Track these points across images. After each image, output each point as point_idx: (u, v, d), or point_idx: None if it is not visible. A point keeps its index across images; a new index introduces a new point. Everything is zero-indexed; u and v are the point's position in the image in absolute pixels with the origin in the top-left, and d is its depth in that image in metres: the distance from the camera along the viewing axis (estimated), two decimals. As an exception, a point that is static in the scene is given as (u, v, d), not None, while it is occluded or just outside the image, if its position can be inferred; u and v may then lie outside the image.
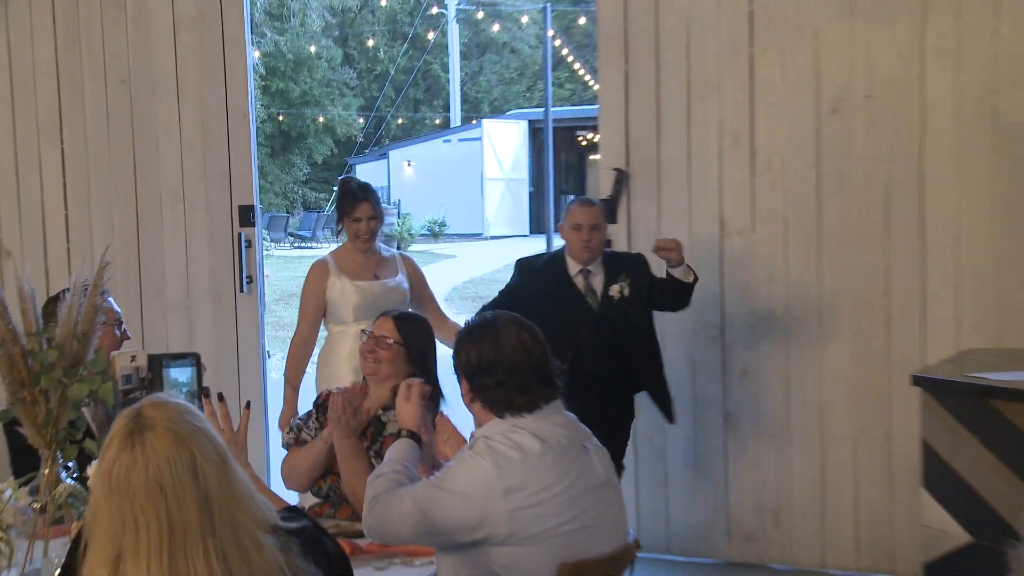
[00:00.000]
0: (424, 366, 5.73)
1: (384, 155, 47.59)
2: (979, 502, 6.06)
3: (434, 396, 5.51)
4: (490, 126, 47.27)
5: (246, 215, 9.43)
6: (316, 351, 7.71)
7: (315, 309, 7.19)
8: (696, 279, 6.90)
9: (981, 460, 6.04)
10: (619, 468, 6.71)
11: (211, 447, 3.35)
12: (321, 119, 45.66)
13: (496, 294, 7.08)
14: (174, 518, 3.21)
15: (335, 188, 48.12)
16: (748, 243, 8.25)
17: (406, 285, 7.13)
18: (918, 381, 6.40)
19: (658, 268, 7.04)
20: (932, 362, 7.34)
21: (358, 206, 7.03)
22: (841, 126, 8.11)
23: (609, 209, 8.37)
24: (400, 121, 48.51)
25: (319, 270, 7.19)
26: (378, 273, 7.03)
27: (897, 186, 7.94)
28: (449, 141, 47.31)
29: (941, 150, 7.91)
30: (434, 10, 45.62)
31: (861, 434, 7.18)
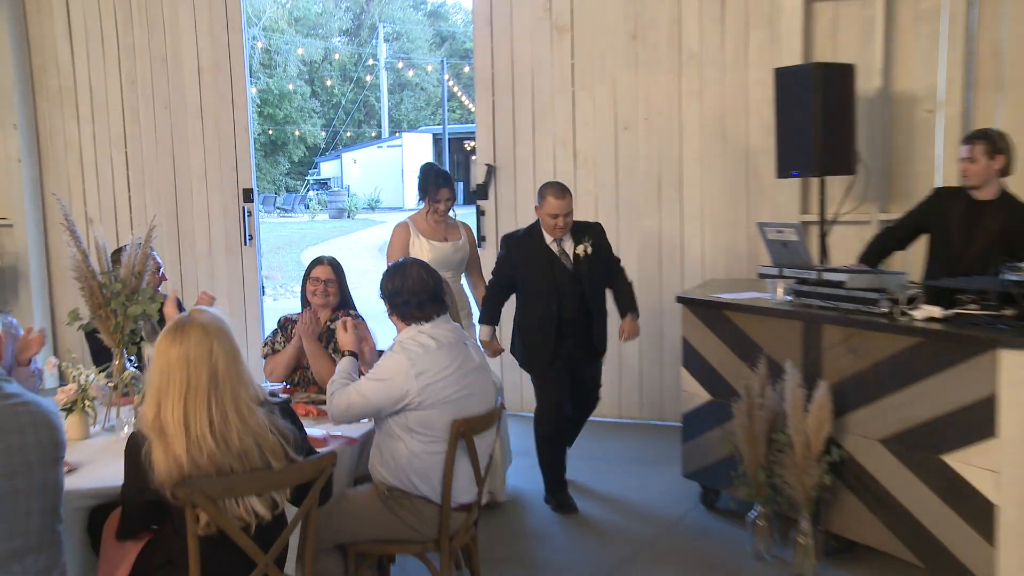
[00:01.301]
0: (344, 292, 5.91)
1: (338, 156, 47.16)
2: (716, 374, 6.19)
3: (346, 306, 5.87)
4: (407, 137, 47.01)
5: (247, 195, 9.37)
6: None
7: None
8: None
9: (717, 347, 6.19)
10: (596, 384, 6.72)
11: (227, 341, 3.62)
12: (296, 132, 45.21)
13: (496, 265, 6.58)
14: (191, 381, 3.53)
15: (308, 177, 48.16)
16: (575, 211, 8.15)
17: (465, 248, 6.74)
18: (680, 300, 6.54)
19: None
20: (688, 288, 7.54)
21: (440, 191, 6.55)
22: (630, 138, 8.22)
23: (482, 191, 8.46)
24: (348, 134, 48.06)
25: (403, 231, 6.67)
26: (447, 236, 6.64)
27: (664, 176, 8.09)
28: (380, 147, 46.96)
29: (691, 154, 8.10)
30: (370, 61, 45.35)
31: (645, 334, 7.23)
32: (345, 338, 4.99)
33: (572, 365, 6.46)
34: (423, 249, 6.51)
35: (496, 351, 6.56)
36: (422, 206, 6.70)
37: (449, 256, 6.57)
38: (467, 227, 6.88)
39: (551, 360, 6.39)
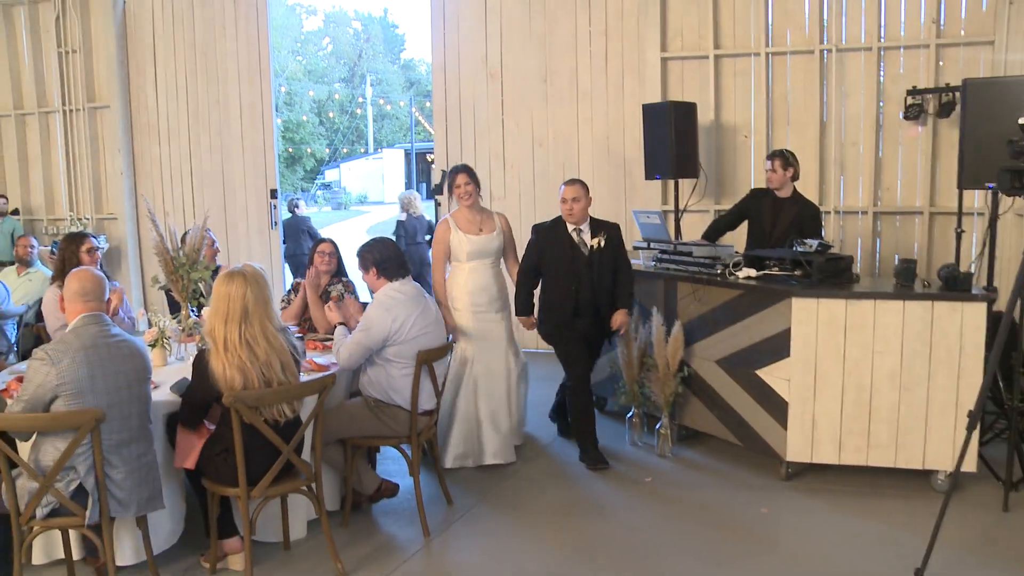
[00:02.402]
0: (340, 262, 5.79)
1: (337, 165, 46.37)
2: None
3: (341, 272, 5.79)
4: (387, 152, 46.41)
5: (273, 193, 9.20)
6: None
7: (442, 254, 5.55)
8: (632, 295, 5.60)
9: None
10: (597, 353, 5.80)
11: (258, 287, 3.71)
12: (308, 150, 44.40)
13: (526, 250, 5.56)
14: (230, 311, 3.67)
15: (316, 181, 47.49)
16: (504, 203, 8.19)
17: (500, 237, 5.60)
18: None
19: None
20: None
21: (457, 176, 5.54)
22: (544, 152, 8.18)
23: (439, 188, 8.39)
24: (345, 150, 47.27)
25: (444, 228, 5.57)
26: (482, 227, 5.52)
27: (567, 177, 8.09)
28: (367, 159, 46.33)
29: (585, 162, 8.08)
30: (360, 99, 44.66)
31: None
32: (333, 316, 5.00)
33: (587, 339, 5.60)
34: (462, 243, 5.51)
35: (531, 325, 5.67)
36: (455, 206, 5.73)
37: (485, 246, 5.53)
38: (503, 217, 5.77)
39: (570, 335, 5.50)
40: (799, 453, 4.96)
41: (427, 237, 10.08)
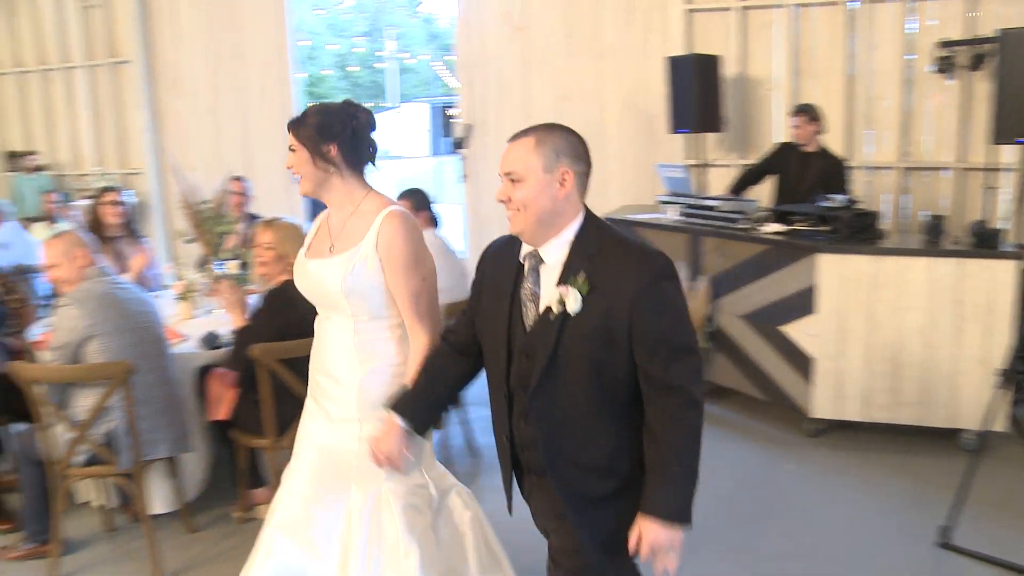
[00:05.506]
0: None
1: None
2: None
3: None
4: (409, 107, 46.32)
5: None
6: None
7: None
8: None
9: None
10: None
11: (294, 233, 3.76)
12: (330, 104, 44.19)
13: None
14: (276, 251, 3.78)
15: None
16: None
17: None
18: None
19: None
20: (608, 210, 7.35)
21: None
22: (570, 105, 8.00)
23: (461, 143, 8.29)
24: (367, 104, 47.07)
25: None
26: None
27: (593, 132, 7.89)
28: (389, 112, 46.26)
29: (611, 117, 7.91)
30: (379, 53, 44.30)
31: None
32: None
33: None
34: None
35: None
36: None
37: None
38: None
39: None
40: (825, 410, 4.92)
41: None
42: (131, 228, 5.48)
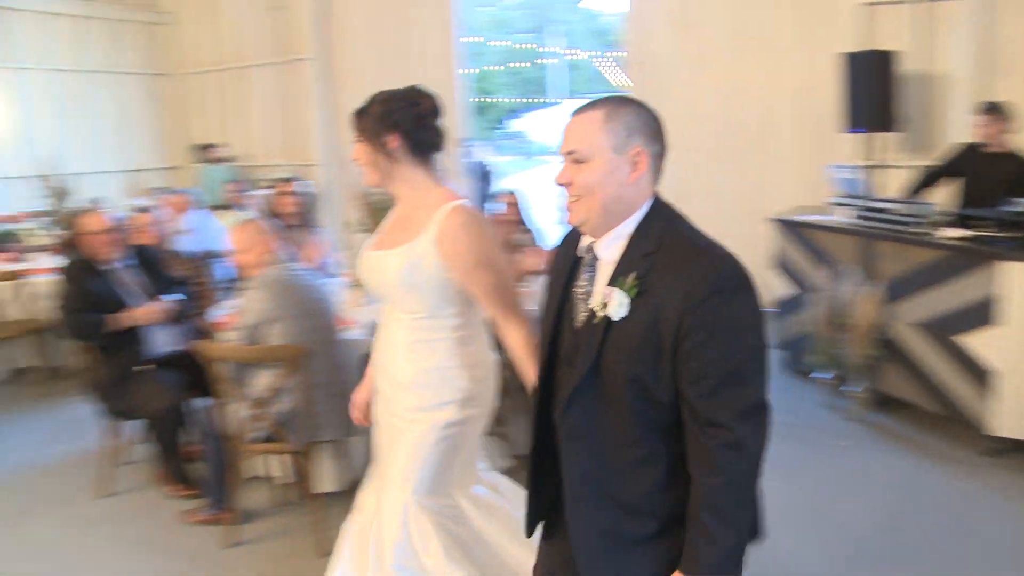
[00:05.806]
0: (523, 215, 5.72)
1: (522, 115, 46.52)
2: (801, 274, 6.00)
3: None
4: (571, 103, 46.15)
5: (460, 141, 9.31)
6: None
7: None
8: None
9: (801, 255, 5.97)
10: None
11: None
12: (496, 100, 44.65)
13: None
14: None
15: (500, 130, 47.72)
16: (696, 156, 7.55)
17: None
18: (773, 220, 6.26)
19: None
20: (779, 210, 7.09)
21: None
22: (738, 103, 7.79)
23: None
24: (530, 100, 47.46)
25: None
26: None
27: (765, 130, 7.69)
28: (551, 108, 46.22)
29: (782, 114, 7.66)
30: (540, 48, 44.42)
31: (746, 241, 6.94)
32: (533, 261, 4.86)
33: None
34: None
35: None
36: None
37: None
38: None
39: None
40: (1007, 428, 4.61)
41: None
42: (307, 217, 5.74)
